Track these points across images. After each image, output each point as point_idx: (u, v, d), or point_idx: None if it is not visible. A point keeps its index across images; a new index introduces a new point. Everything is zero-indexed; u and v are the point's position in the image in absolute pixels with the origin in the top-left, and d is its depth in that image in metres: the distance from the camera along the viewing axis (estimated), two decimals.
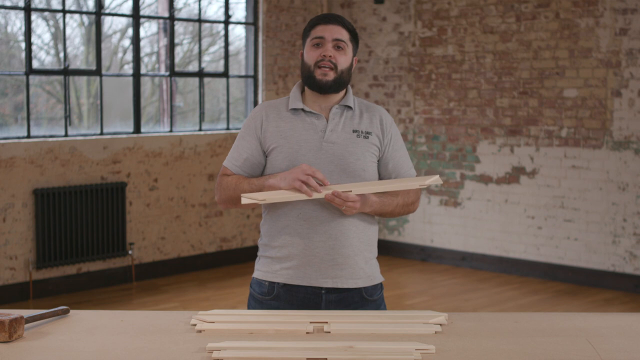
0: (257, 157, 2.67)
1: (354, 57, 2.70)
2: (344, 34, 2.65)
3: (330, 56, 2.62)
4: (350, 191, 2.51)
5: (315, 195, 2.50)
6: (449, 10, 7.69)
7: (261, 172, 2.69)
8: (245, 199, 2.53)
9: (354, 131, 2.66)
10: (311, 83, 2.65)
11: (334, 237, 2.60)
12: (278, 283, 2.64)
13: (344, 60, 2.65)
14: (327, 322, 2.34)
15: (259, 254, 2.75)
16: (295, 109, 2.68)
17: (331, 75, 2.62)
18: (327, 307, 2.61)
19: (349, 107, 2.70)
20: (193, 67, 7.79)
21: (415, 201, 2.75)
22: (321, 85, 2.63)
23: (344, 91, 2.71)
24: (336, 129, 2.65)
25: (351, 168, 2.62)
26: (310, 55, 2.65)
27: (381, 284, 2.74)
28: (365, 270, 2.66)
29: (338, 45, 2.64)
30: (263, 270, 2.69)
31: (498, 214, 7.45)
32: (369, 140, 2.67)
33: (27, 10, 6.40)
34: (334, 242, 2.60)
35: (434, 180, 2.59)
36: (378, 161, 2.71)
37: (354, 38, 2.69)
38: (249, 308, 2.73)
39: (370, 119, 2.70)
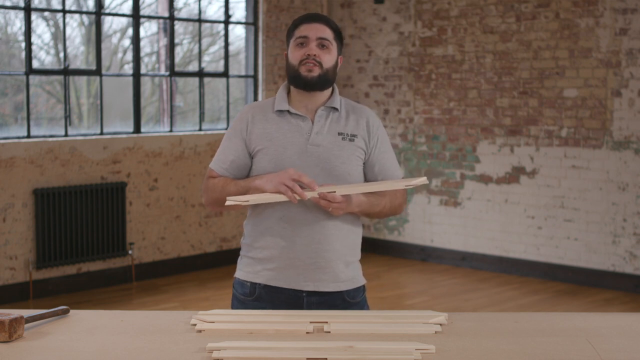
0: (243, 159, 2.65)
1: (339, 55, 2.68)
2: (327, 33, 2.62)
3: (314, 55, 2.59)
4: (335, 192, 2.49)
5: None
6: (449, 10, 7.68)
7: (247, 173, 2.67)
8: (230, 202, 2.53)
9: (339, 134, 2.63)
10: (297, 81, 2.62)
11: (317, 241, 2.58)
12: (259, 284, 2.63)
13: (328, 59, 2.62)
14: (327, 322, 2.34)
15: (241, 253, 2.74)
16: (280, 111, 2.65)
17: (316, 71, 2.59)
18: (309, 309, 2.59)
19: (335, 109, 2.67)
20: (193, 67, 7.79)
21: (402, 203, 2.73)
22: (307, 81, 2.59)
23: (329, 91, 2.68)
24: (321, 132, 2.62)
25: (337, 172, 2.59)
26: (294, 55, 2.62)
27: (364, 286, 2.72)
28: (346, 273, 2.64)
29: (322, 44, 2.61)
30: (245, 270, 2.68)
31: (498, 214, 7.45)
32: (354, 143, 2.63)
33: (27, 10, 6.40)
34: (316, 246, 2.58)
35: (421, 181, 2.55)
36: (364, 164, 2.68)
37: (338, 37, 2.67)
38: (232, 308, 2.70)
39: (356, 121, 2.67)
